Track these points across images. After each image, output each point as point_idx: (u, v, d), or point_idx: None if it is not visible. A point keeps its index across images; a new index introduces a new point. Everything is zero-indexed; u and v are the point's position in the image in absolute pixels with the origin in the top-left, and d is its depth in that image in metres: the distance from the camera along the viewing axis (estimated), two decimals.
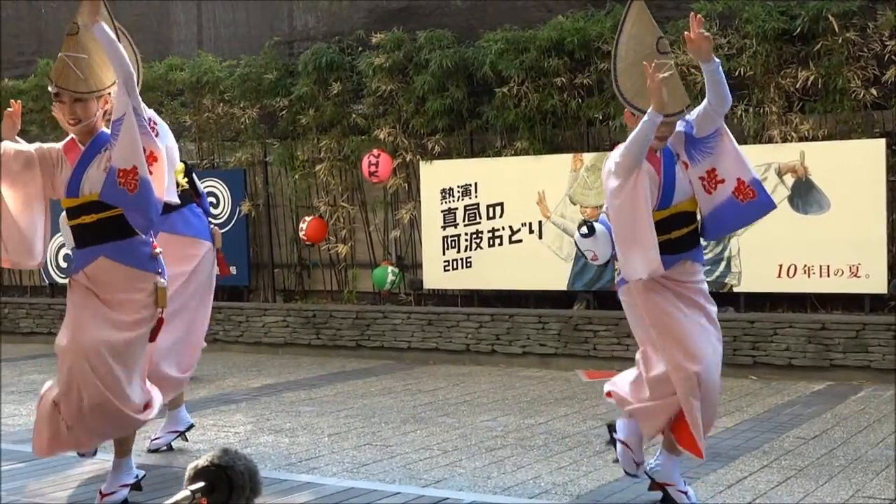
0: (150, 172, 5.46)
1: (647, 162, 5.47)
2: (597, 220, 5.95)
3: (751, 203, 5.54)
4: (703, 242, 5.80)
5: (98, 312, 5.56)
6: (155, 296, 5.66)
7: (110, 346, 5.48)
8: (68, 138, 5.70)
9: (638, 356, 5.79)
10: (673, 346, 5.44)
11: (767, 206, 5.65)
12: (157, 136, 6.48)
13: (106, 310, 5.58)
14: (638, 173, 5.34)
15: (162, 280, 5.70)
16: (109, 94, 5.63)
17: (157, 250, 5.74)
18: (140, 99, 5.52)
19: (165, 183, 5.67)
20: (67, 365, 5.47)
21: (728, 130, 5.59)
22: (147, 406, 5.73)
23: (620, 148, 5.44)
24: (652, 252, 5.32)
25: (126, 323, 5.58)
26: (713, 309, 5.68)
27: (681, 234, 5.57)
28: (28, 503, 5.81)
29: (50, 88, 5.66)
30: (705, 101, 5.42)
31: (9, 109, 5.61)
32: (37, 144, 5.71)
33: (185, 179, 7.30)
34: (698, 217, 5.71)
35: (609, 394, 5.94)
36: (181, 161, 7.35)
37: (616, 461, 6.08)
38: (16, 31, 15.65)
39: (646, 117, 5.24)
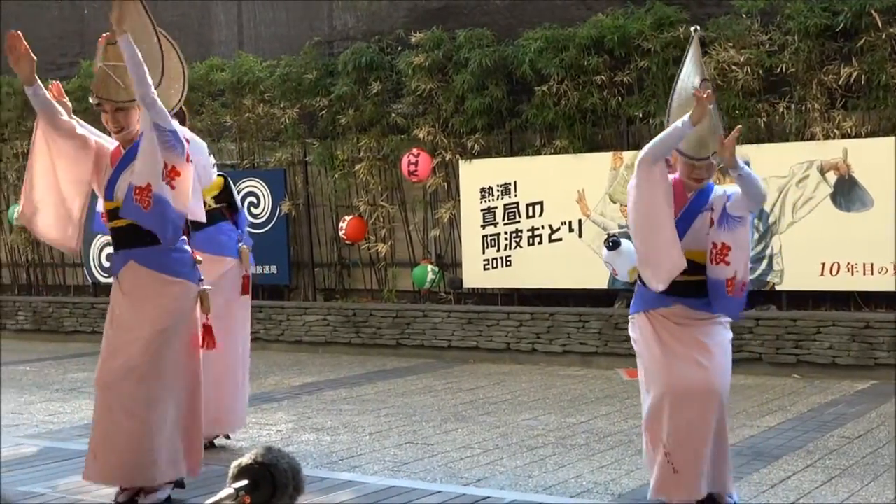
0: (173, 187, 5.49)
1: (672, 192, 5.47)
2: (622, 236, 5.95)
3: (732, 299, 5.49)
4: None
5: (122, 327, 5.64)
6: (194, 302, 5.69)
7: (128, 367, 5.53)
8: (116, 145, 5.75)
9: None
10: (652, 372, 5.51)
11: (737, 313, 5.63)
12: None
13: (133, 319, 5.62)
14: (659, 168, 5.34)
15: (203, 285, 5.72)
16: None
17: (197, 258, 5.76)
18: (165, 113, 5.50)
19: (190, 198, 5.66)
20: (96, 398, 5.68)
21: (751, 225, 5.64)
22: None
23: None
24: (673, 249, 5.30)
25: (149, 336, 5.56)
26: (716, 341, 5.58)
27: (678, 280, 5.52)
28: (72, 500, 5.85)
29: (91, 99, 5.69)
30: (741, 193, 5.37)
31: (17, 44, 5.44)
32: (97, 135, 5.74)
33: (213, 198, 7.26)
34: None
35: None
36: (220, 175, 7.38)
37: None
38: (60, 32, 15.78)
39: (679, 122, 5.23)
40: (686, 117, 5.20)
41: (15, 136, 15.26)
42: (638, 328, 5.65)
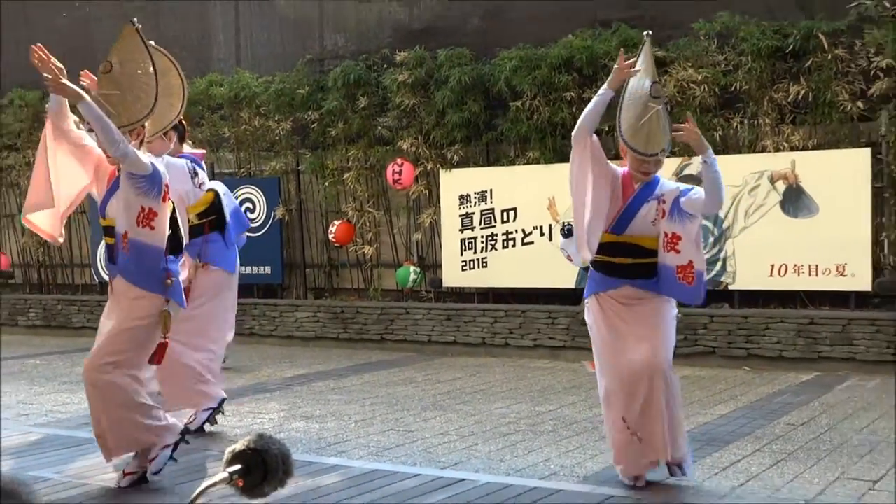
0: (153, 227, 5.50)
1: (620, 185, 5.58)
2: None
3: (684, 286, 5.58)
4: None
5: (109, 317, 5.72)
6: (157, 318, 5.66)
7: (105, 347, 5.59)
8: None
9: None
10: (600, 352, 5.68)
11: (693, 299, 5.73)
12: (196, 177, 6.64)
13: (117, 313, 5.68)
14: (586, 148, 5.50)
15: (168, 307, 5.68)
16: (143, 126, 5.67)
17: (169, 280, 5.70)
18: (139, 162, 5.43)
19: (167, 229, 5.65)
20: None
21: (702, 225, 5.75)
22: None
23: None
24: (585, 229, 5.47)
25: (126, 322, 5.62)
26: (659, 320, 5.66)
27: (625, 263, 5.60)
28: (78, 484, 5.85)
29: (83, 126, 5.67)
30: (703, 194, 5.44)
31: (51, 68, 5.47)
32: (101, 151, 5.69)
33: (197, 214, 7.25)
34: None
35: None
36: (210, 190, 7.33)
37: None
38: (68, 47, 15.70)
39: (601, 90, 5.48)
40: (605, 85, 5.42)
41: (27, 145, 15.17)
42: (591, 312, 5.78)
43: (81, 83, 5.57)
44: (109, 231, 5.71)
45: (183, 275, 6.57)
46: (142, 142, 5.69)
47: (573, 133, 5.55)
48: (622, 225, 5.62)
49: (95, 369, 5.58)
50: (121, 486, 5.69)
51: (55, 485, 5.80)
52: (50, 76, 5.35)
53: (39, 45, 5.49)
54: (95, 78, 5.66)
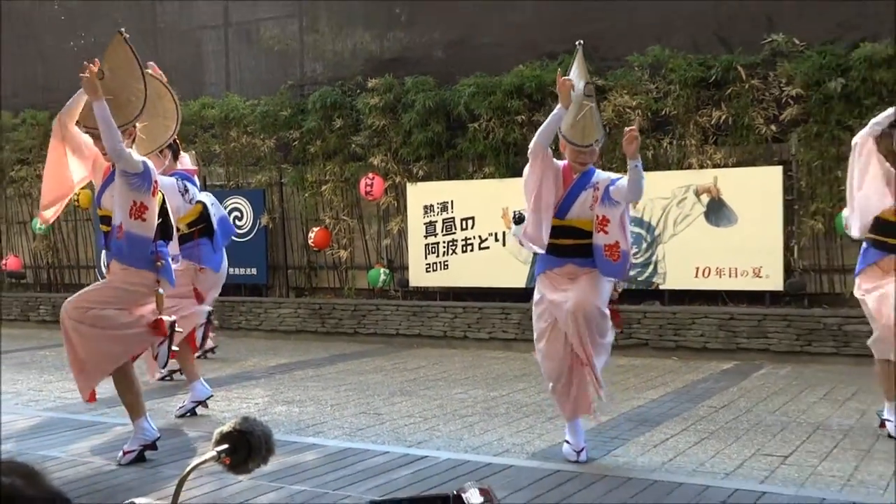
0: (144, 219, 5.53)
1: (561, 176, 5.68)
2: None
3: (610, 262, 5.69)
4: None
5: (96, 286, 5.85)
6: (149, 292, 5.70)
7: (86, 294, 5.67)
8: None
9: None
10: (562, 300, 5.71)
11: (617, 274, 5.83)
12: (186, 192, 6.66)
13: (109, 280, 5.78)
14: (544, 159, 5.60)
15: (160, 289, 5.70)
16: (134, 126, 5.64)
17: (160, 262, 5.71)
18: (132, 161, 5.44)
19: (156, 222, 5.67)
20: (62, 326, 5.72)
21: (629, 212, 5.82)
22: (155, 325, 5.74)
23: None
24: (539, 224, 5.64)
25: (117, 284, 5.69)
26: (590, 278, 5.74)
27: (567, 244, 5.71)
28: (82, 463, 5.80)
29: (79, 129, 5.68)
30: (627, 186, 5.55)
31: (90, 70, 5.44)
32: (97, 149, 5.71)
33: (187, 224, 7.25)
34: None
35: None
36: (199, 202, 7.31)
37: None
38: (74, 71, 15.54)
39: (555, 109, 5.52)
40: (559, 106, 5.46)
41: (37, 160, 14.98)
42: (539, 288, 5.87)
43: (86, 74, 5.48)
44: (105, 220, 5.74)
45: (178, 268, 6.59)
46: (133, 140, 5.67)
47: (532, 147, 5.63)
48: (564, 210, 5.74)
49: (75, 308, 5.60)
50: (121, 464, 5.65)
51: (62, 463, 5.75)
52: (89, 74, 5.33)
53: (92, 64, 5.45)
54: (97, 67, 5.53)
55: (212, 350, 7.47)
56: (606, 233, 5.64)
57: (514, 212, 6.20)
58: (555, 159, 5.81)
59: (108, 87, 5.52)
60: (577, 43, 5.99)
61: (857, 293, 6.57)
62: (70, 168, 5.68)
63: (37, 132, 15.16)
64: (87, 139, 5.69)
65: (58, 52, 15.83)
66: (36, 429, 6.80)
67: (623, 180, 5.60)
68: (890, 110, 6.13)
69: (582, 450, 5.77)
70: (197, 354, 7.55)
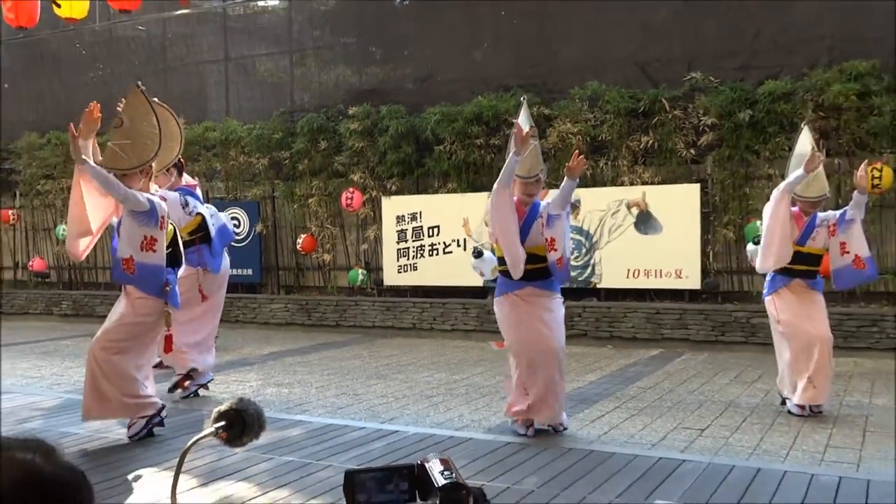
0: (154, 251, 5.42)
1: (516, 209, 5.62)
2: (485, 247, 6.06)
3: (561, 271, 5.70)
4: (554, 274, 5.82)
5: (117, 311, 5.61)
6: (159, 315, 5.59)
7: (107, 334, 5.51)
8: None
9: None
10: (512, 339, 5.66)
11: (565, 277, 5.81)
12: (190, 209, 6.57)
13: (124, 309, 5.57)
14: (507, 197, 5.53)
15: (167, 309, 5.61)
16: (150, 165, 5.56)
17: (167, 288, 5.61)
18: (137, 201, 5.32)
19: (164, 251, 5.55)
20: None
21: (568, 223, 5.77)
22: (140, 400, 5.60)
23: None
24: (516, 249, 5.52)
25: (122, 316, 5.55)
26: (554, 314, 5.72)
27: (527, 269, 5.64)
28: (98, 437, 5.71)
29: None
30: (558, 195, 5.58)
31: (93, 106, 5.35)
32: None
33: (189, 233, 7.09)
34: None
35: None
36: (198, 214, 7.22)
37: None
38: (93, 99, 15.40)
39: (511, 156, 5.47)
40: (513, 153, 5.42)
41: (61, 175, 14.81)
42: (500, 308, 5.78)
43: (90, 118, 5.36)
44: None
45: (185, 273, 6.50)
46: (150, 177, 5.59)
47: (496, 188, 5.52)
48: (522, 240, 5.66)
49: (99, 349, 5.51)
50: (130, 439, 5.56)
51: (80, 438, 5.66)
52: (73, 141, 5.23)
53: (96, 105, 5.36)
54: (98, 113, 5.38)
55: (195, 394, 7.30)
56: (556, 250, 5.64)
57: (475, 248, 6.18)
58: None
59: (127, 133, 5.49)
60: (521, 98, 6.02)
61: (774, 313, 6.51)
62: (88, 210, 5.47)
63: (60, 151, 14.94)
64: (95, 191, 5.50)
65: (79, 83, 15.66)
66: (58, 408, 6.68)
67: (552, 195, 5.69)
68: (800, 171, 6.17)
69: (531, 425, 5.78)
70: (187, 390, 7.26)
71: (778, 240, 6.29)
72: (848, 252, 6.39)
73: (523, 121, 5.73)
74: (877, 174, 9.49)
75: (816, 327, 6.34)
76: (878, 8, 10.02)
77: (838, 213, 6.48)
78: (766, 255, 6.41)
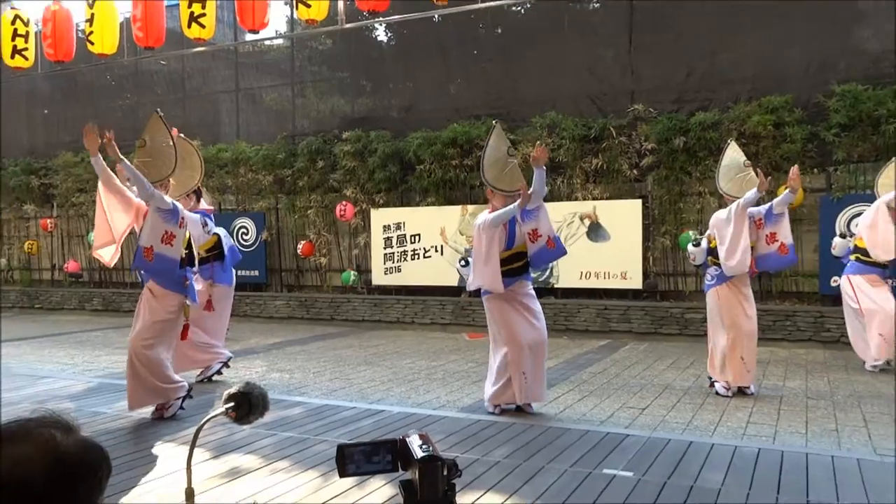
0: (172, 245, 5.38)
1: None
2: (470, 256, 5.99)
3: (554, 250, 5.67)
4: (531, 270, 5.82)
5: (146, 312, 5.52)
6: (180, 308, 5.57)
7: (142, 333, 5.42)
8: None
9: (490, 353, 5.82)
10: (510, 335, 5.55)
11: (562, 252, 5.76)
12: (205, 226, 6.48)
13: (152, 309, 5.50)
14: (497, 231, 5.48)
15: (188, 302, 5.59)
16: (168, 180, 5.54)
17: (187, 282, 5.60)
18: (162, 200, 5.33)
19: (183, 249, 5.54)
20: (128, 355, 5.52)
21: (545, 206, 5.67)
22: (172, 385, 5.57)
23: (489, 214, 5.55)
24: (496, 276, 5.46)
25: (157, 319, 5.48)
26: (538, 307, 5.71)
27: (517, 265, 5.63)
28: (125, 416, 5.65)
29: (126, 183, 5.49)
30: (532, 188, 5.48)
31: (89, 127, 5.27)
32: (138, 200, 5.50)
33: (206, 251, 7.05)
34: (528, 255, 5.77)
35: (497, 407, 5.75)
36: (215, 234, 7.17)
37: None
38: (121, 124, 15.28)
39: (511, 206, 5.38)
40: (515, 204, 5.36)
41: (92, 188, 14.58)
42: (490, 304, 5.67)
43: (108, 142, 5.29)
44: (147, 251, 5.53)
45: (199, 286, 6.47)
46: (167, 189, 5.56)
47: (490, 222, 5.45)
48: (511, 242, 5.61)
49: (138, 346, 5.45)
50: (153, 418, 5.50)
51: (108, 417, 5.59)
52: (102, 146, 5.18)
53: (90, 126, 5.28)
54: (110, 136, 5.28)
55: (218, 372, 7.25)
56: (541, 235, 5.58)
57: (461, 258, 6.13)
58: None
59: (148, 152, 5.50)
60: (493, 121, 5.97)
61: (713, 301, 6.51)
62: (110, 221, 5.41)
63: (92, 168, 14.75)
64: (130, 193, 5.47)
65: (109, 109, 15.52)
66: (89, 391, 6.60)
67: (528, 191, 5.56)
68: (753, 191, 6.20)
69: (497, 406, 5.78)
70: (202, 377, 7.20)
71: (742, 249, 6.26)
72: (776, 241, 6.44)
73: (499, 140, 5.68)
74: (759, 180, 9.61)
75: (751, 321, 6.40)
76: (788, 54, 10.17)
77: (762, 208, 6.51)
78: (729, 260, 6.30)
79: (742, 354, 6.34)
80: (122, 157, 5.24)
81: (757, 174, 6.27)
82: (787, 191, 6.38)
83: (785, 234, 6.48)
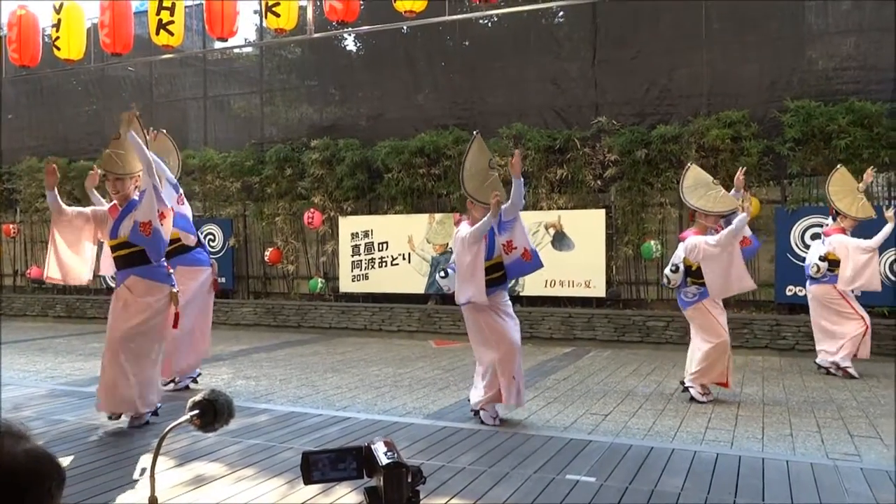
0: (162, 224, 5.33)
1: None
2: (449, 267, 5.95)
3: (529, 262, 5.64)
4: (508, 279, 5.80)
5: (121, 316, 5.36)
6: (169, 299, 5.46)
7: (125, 336, 5.28)
8: (112, 203, 5.55)
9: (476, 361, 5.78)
10: (500, 337, 5.51)
11: (538, 265, 5.71)
12: (183, 205, 6.40)
13: (127, 313, 5.35)
14: (480, 245, 5.42)
15: (175, 288, 5.52)
16: (139, 175, 5.45)
17: (170, 271, 5.54)
18: (157, 179, 5.32)
19: (170, 231, 5.49)
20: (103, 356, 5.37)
21: (521, 218, 5.63)
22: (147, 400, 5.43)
23: (468, 227, 5.49)
24: (482, 288, 5.41)
25: (141, 321, 5.34)
26: (513, 313, 5.70)
27: (496, 276, 5.61)
28: (87, 425, 5.53)
29: (99, 171, 5.51)
30: (509, 201, 5.45)
31: (51, 166, 5.30)
32: (92, 208, 5.54)
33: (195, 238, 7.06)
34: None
35: (476, 412, 5.73)
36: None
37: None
38: (87, 129, 14.99)
39: (487, 217, 5.34)
40: (490, 214, 5.32)
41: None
42: (471, 313, 5.60)
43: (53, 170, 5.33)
44: (122, 246, 5.38)
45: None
46: (137, 187, 5.45)
47: (473, 237, 5.39)
48: (490, 253, 5.57)
49: (126, 352, 5.28)
50: (128, 427, 5.40)
51: (70, 425, 5.46)
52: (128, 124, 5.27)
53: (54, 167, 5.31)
54: (55, 170, 5.36)
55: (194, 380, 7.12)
56: (515, 248, 5.56)
57: (443, 269, 6.06)
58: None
59: (122, 145, 5.40)
60: (474, 132, 5.92)
61: (695, 315, 6.59)
62: (71, 249, 5.35)
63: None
64: (82, 210, 5.45)
65: (75, 114, 15.27)
66: (52, 399, 6.44)
67: (506, 205, 5.53)
68: (743, 214, 6.28)
69: (477, 412, 5.75)
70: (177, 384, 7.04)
71: (742, 271, 6.34)
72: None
73: (480, 152, 5.67)
74: (746, 204, 9.80)
75: (726, 331, 6.53)
76: (744, 70, 10.39)
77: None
78: (729, 285, 6.37)
79: (725, 361, 6.47)
80: (129, 130, 5.22)
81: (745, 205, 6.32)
82: (732, 191, 6.51)
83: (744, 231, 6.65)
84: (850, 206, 7.72)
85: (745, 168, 6.72)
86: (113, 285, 5.62)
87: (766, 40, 10.34)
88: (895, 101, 9.57)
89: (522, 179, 5.45)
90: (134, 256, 5.38)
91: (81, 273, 5.50)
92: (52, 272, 5.47)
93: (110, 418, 5.43)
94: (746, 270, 6.46)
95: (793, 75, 10.19)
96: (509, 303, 5.72)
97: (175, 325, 5.57)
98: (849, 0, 10.12)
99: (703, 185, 6.58)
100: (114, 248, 5.50)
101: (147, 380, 5.41)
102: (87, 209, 5.49)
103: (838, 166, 8.01)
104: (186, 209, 6.67)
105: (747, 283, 6.44)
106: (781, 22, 10.38)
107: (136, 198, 5.37)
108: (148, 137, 5.60)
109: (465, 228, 5.56)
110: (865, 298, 8.68)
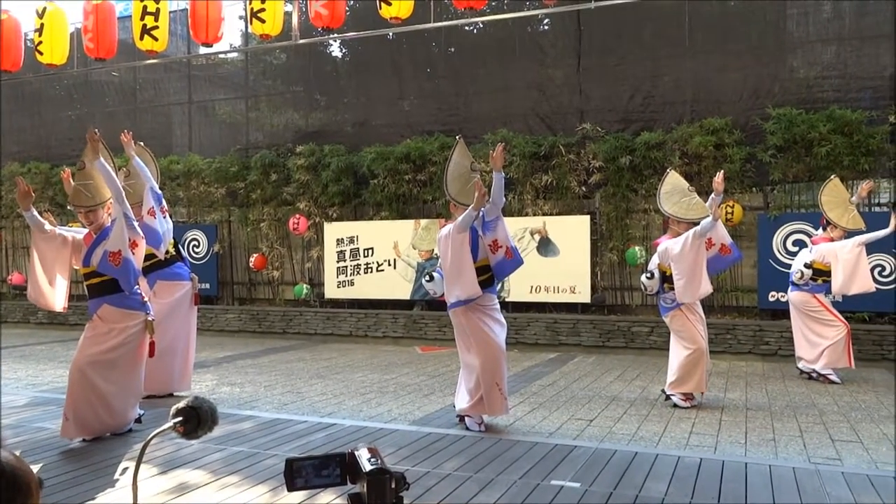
0: (134, 253, 5.25)
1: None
2: (435, 271, 5.93)
3: (512, 260, 5.62)
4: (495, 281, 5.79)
5: (94, 343, 5.27)
6: (143, 326, 5.37)
7: (96, 360, 5.19)
8: (87, 231, 5.44)
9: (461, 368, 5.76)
10: (485, 342, 5.48)
11: (519, 262, 5.68)
12: (165, 217, 6.34)
13: (101, 339, 5.27)
14: (464, 236, 5.41)
15: (150, 316, 5.41)
16: (110, 202, 5.36)
17: (145, 298, 5.45)
18: (129, 207, 5.27)
19: (142, 259, 5.41)
20: (70, 376, 5.24)
21: (503, 217, 5.61)
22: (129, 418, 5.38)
23: (453, 225, 5.47)
24: (472, 280, 5.38)
25: (113, 345, 5.26)
26: (501, 317, 5.69)
27: (483, 278, 5.59)
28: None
29: (69, 206, 5.42)
30: (490, 198, 5.44)
31: (24, 188, 5.19)
32: (72, 233, 5.43)
33: (174, 248, 6.99)
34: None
35: (461, 418, 5.72)
36: (173, 238, 7.03)
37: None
38: (69, 135, 14.87)
39: (469, 210, 5.32)
40: (472, 206, 5.29)
41: (38, 200, 14.19)
42: (458, 317, 5.58)
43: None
44: (94, 274, 5.29)
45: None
46: (109, 213, 5.38)
47: (459, 227, 5.37)
48: (475, 256, 5.54)
49: (90, 364, 5.17)
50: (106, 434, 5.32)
51: (52, 433, 5.39)
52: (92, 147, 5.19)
53: (95, 131, 5.24)
54: (29, 190, 5.24)
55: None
56: (500, 246, 5.54)
57: (428, 273, 6.04)
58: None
59: (88, 175, 5.30)
60: (457, 137, 5.93)
61: (674, 322, 6.64)
62: (49, 271, 5.28)
63: (39, 179, 14.41)
64: (61, 231, 5.38)
65: (57, 119, 15.17)
66: (33, 406, 6.37)
67: (488, 206, 5.52)
68: (708, 220, 6.32)
69: (462, 418, 5.73)
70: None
71: (704, 278, 6.39)
72: (714, 244, 6.62)
73: (463, 155, 5.67)
74: (729, 210, 9.90)
75: (705, 338, 6.58)
76: (726, 78, 10.49)
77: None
78: (693, 289, 6.39)
79: (705, 365, 6.51)
80: (100, 160, 5.16)
81: (717, 211, 6.35)
82: (712, 195, 6.55)
83: (722, 235, 6.68)
84: (841, 216, 7.81)
85: (724, 172, 6.75)
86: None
87: (749, 49, 10.45)
88: (874, 110, 9.69)
89: (503, 174, 5.41)
90: (106, 285, 5.28)
91: (52, 301, 5.35)
92: (30, 291, 5.40)
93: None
94: (707, 277, 6.49)
95: (774, 83, 10.30)
96: (497, 306, 5.70)
97: (151, 354, 5.47)
98: (829, 9, 10.26)
99: (679, 192, 6.64)
100: (86, 276, 5.37)
101: (120, 408, 5.28)
102: (69, 234, 5.39)
103: (832, 176, 8.10)
104: (159, 223, 6.48)
105: (706, 287, 6.47)
106: (763, 31, 10.50)
107: (110, 225, 5.30)
108: (133, 150, 5.54)
109: (445, 229, 5.56)
110: (847, 304, 8.78)
